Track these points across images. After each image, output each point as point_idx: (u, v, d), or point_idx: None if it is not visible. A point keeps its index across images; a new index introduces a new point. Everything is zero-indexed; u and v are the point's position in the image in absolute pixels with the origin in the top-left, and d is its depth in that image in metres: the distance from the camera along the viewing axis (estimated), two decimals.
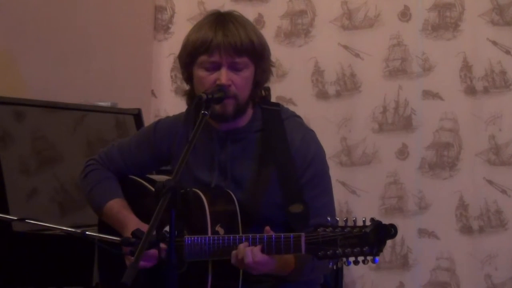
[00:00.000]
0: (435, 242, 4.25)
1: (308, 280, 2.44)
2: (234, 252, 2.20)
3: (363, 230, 1.99)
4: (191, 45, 2.37)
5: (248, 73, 2.37)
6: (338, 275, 3.94)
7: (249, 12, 4.30)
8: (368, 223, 2.01)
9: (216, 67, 2.35)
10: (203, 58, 2.35)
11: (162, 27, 4.68)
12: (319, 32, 4.43)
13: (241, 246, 2.19)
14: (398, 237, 4.23)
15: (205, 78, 2.35)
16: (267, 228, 2.21)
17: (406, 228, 4.23)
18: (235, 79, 2.35)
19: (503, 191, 4.17)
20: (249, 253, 2.17)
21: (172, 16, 4.67)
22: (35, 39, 3.83)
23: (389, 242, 4.38)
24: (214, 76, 2.35)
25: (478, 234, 4.20)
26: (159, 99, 4.69)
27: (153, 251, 2.24)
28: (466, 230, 4.22)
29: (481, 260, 4.18)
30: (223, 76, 2.33)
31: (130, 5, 4.53)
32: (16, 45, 3.74)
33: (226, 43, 2.32)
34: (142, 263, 2.30)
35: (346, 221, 2.03)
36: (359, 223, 2.02)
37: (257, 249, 2.17)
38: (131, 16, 4.53)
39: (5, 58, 3.69)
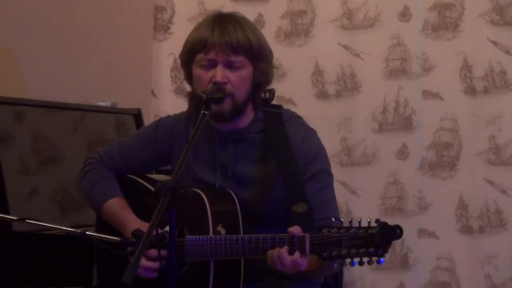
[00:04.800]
0: (435, 242, 4.25)
1: (308, 280, 2.45)
2: (270, 252, 2.17)
3: (369, 232, 2.00)
4: (190, 44, 2.41)
5: (245, 72, 2.38)
6: (338, 275, 3.94)
7: (249, 12, 4.30)
8: (373, 224, 2.01)
9: (213, 65, 2.36)
10: (200, 56, 2.37)
11: (162, 27, 4.68)
12: (319, 32, 4.43)
13: (282, 251, 2.15)
14: None
15: (202, 76, 2.37)
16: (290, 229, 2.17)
17: (406, 228, 4.16)
18: (231, 77, 2.36)
19: (503, 191, 4.17)
20: (285, 253, 2.13)
21: (172, 16, 4.67)
22: (35, 38, 3.83)
23: None
24: (210, 74, 2.36)
25: (478, 234, 4.20)
26: (159, 99, 4.69)
27: (155, 263, 2.26)
28: (466, 230, 4.22)
29: (481, 260, 4.18)
30: (219, 73, 2.34)
31: (130, 5, 4.53)
32: (16, 45, 3.74)
33: (222, 41, 2.34)
34: (149, 264, 2.30)
35: (350, 222, 2.04)
36: (364, 224, 2.02)
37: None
38: (131, 16, 4.53)
39: (5, 58, 3.69)
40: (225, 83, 2.34)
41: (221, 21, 2.38)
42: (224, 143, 2.45)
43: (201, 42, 2.36)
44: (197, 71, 2.39)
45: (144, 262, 2.29)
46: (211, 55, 2.35)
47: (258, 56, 2.40)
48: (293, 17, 4.47)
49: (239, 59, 2.36)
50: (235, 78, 2.36)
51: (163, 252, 2.08)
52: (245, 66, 2.38)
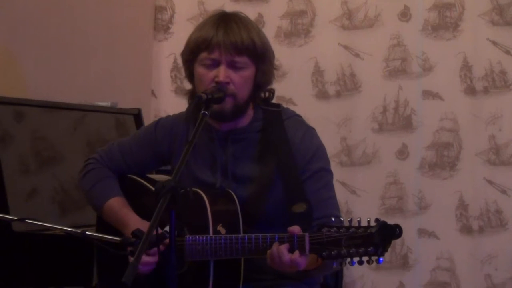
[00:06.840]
0: (435, 242, 4.25)
1: (307, 279, 2.45)
2: (269, 252, 2.17)
3: (368, 231, 2.00)
4: (193, 42, 2.40)
5: (247, 73, 2.38)
6: (338, 275, 3.94)
7: (249, 12, 4.24)
8: (372, 223, 2.01)
9: (216, 64, 2.36)
10: (203, 55, 2.37)
11: (162, 27, 4.68)
12: (319, 32, 4.43)
13: (282, 247, 2.15)
14: None
15: (205, 75, 2.37)
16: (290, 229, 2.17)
17: (406, 228, 4.16)
18: (233, 77, 2.36)
19: (503, 191, 4.18)
20: (284, 250, 2.14)
21: (172, 16, 4.67)
22: (35, 38, 3.83)
23: None
24: (213, 73, 2.36)
25: (478, 234, 4.20)
26: (159, 99, 4.69)
27: (154, 257, 2.26)
28: (466, 230, 4.22)
29: (481, 260, 4.19)
30: (221, 73, 2.34)
31: (130, 5, 4.53)
32: (16, 45, 3.74)
33: (226, 41, 2.34)
34: (148, 259, 2.30)
35: (350, 221, 2.04)
36: (364, 223, 2.02)
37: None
38: (131, 16, 4.53)
39: (5, 58, 3.69)
40: (227, 83, 2.35)
41: (226, 20, 2.38)
42: (223, 143, 2.45)
43: (205, 41, 2.36)
44: (199, 70, 2.39)
45: (143, 257, 2.29)
46: (215, 55, 2.35)
47: (261, 57, 2.40)
48: (293, 17, 4.47)
49: (242, 59, 2.36)
50: (238, 78, 2.36)
51: (162, 247, 2.08)
52: (248, 66, 2.38)
